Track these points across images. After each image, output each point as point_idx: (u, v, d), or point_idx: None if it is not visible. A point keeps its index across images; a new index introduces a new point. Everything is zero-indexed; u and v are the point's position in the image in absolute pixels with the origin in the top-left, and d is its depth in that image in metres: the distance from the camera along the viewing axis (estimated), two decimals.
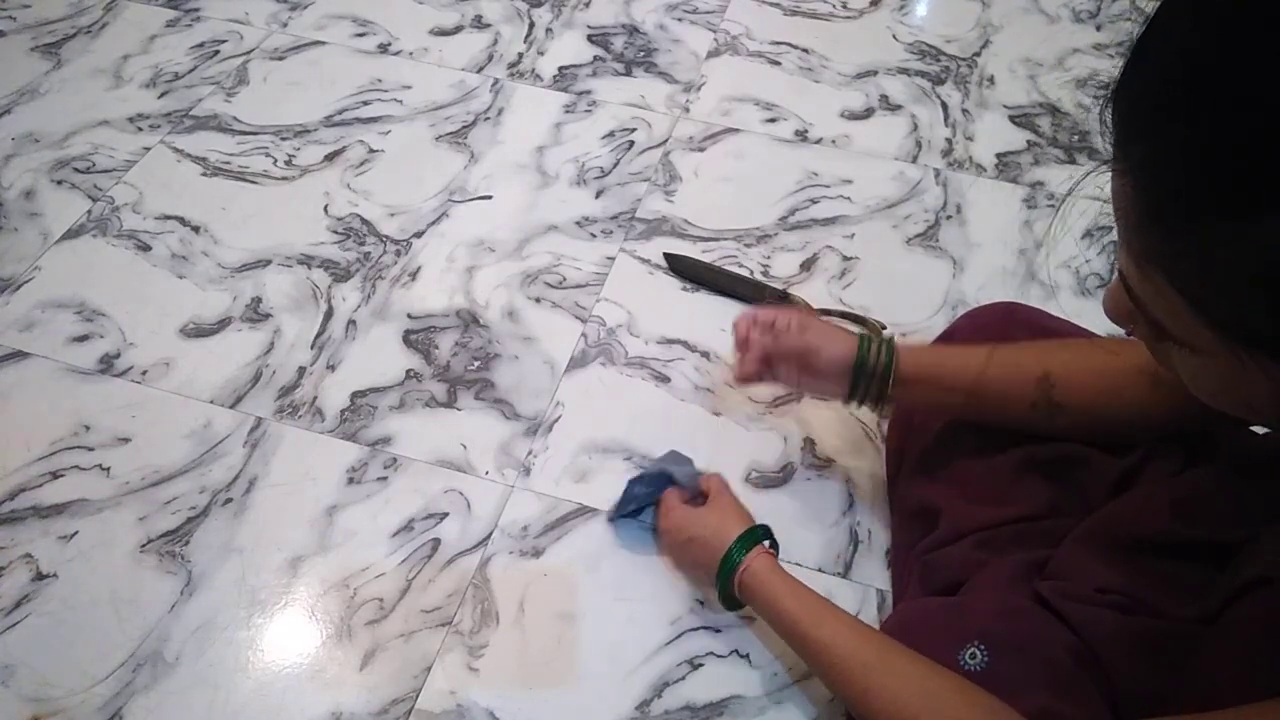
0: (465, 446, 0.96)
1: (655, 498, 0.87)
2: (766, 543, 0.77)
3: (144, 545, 0.88)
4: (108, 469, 0.93)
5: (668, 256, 1.12)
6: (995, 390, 0.73)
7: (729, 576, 0.75)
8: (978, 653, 0.63)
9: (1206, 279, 0.40)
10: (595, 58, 1.41)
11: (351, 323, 1.06)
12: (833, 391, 0.80)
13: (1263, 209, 0.36)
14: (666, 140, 1.28)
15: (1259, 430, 0.72)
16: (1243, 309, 0.39)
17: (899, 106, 1.34)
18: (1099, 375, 0.71)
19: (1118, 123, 0.41)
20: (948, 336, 0.89)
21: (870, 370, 0.76)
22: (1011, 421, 0.75)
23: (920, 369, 0.76)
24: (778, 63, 1.41)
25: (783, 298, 1.08)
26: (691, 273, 1.11)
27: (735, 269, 1.12)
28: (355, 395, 1.00)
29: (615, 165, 1.25)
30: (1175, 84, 0.39)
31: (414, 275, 1.11)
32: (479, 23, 1.46)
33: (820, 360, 0.78)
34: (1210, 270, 0.39)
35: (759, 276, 1.12)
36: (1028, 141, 1.30)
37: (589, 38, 1.44)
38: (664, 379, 1.02)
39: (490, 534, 0.89)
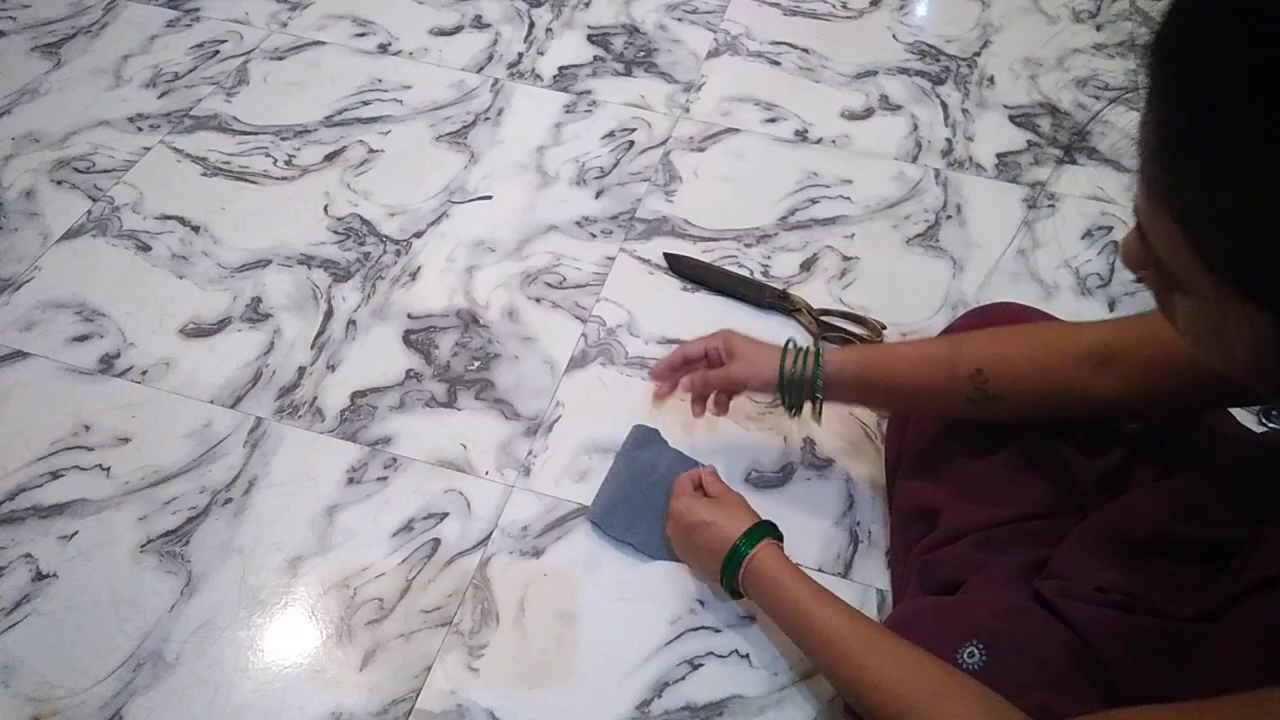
0: (465, 446, 0.96)
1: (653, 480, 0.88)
2: (771, 534, 0.77)
3: (144, 545, 0.88)
4: (108, 469, 0.93)
5: (668, 256, 1.12)
6: (927, 389, 0.76)
7: (736, 565, 0.75)
8: (976, 651, 0.63)
9: (1205, 214, 0.40)
10: (595, 58, 1.41)
11: (351, 323, 1.06)
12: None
13: (1263, 150, 0.37)
14: (666, 140, 1.28)
15: (1258, 430, 0.72)
16: (1236, 248, 0.40)
17: (899, 106, 1.35)
18: (1034, 363, 0.72)
19: (1153, 50, 0.42)
20: (947, 334, 0.89)
21: (794, 384, 0.81)
22: (950, 413, 0.78)
23: (846, 376, 0.80)
24: (778, 63, 1.41)
25: (783, 297, 1.08)
26: (691, 273, 1.11)
27: (735, 269, 1.12)
28: (355, 395, 1.00)
29: (615, 165, 1.25)
30: (1204, 10, 0.39)
31: (414, 275, 1.11)
32: (479, 23, 1.46)
33: (749, 388, 0.85)
34: (1209, 206, 0.40)
35: (759, 276, 1.12)
36: (1028, 141, 1.30)
37: (589, 38, 1.44)
38: None
39: (490, 534, 0.89)
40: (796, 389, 0.81)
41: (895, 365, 0.78)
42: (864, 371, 0.79)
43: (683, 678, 0.81)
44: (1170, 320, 0.49)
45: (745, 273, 1.12)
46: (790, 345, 0.82)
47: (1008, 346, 0.73)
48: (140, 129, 1.27)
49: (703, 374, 0.85)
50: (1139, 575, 0.64)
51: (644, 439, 0.95)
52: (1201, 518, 0.63)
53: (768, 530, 0.77)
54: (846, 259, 1.14)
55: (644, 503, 0.89)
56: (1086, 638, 0.61)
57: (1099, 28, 1.49)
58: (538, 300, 1.09)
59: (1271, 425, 0.88)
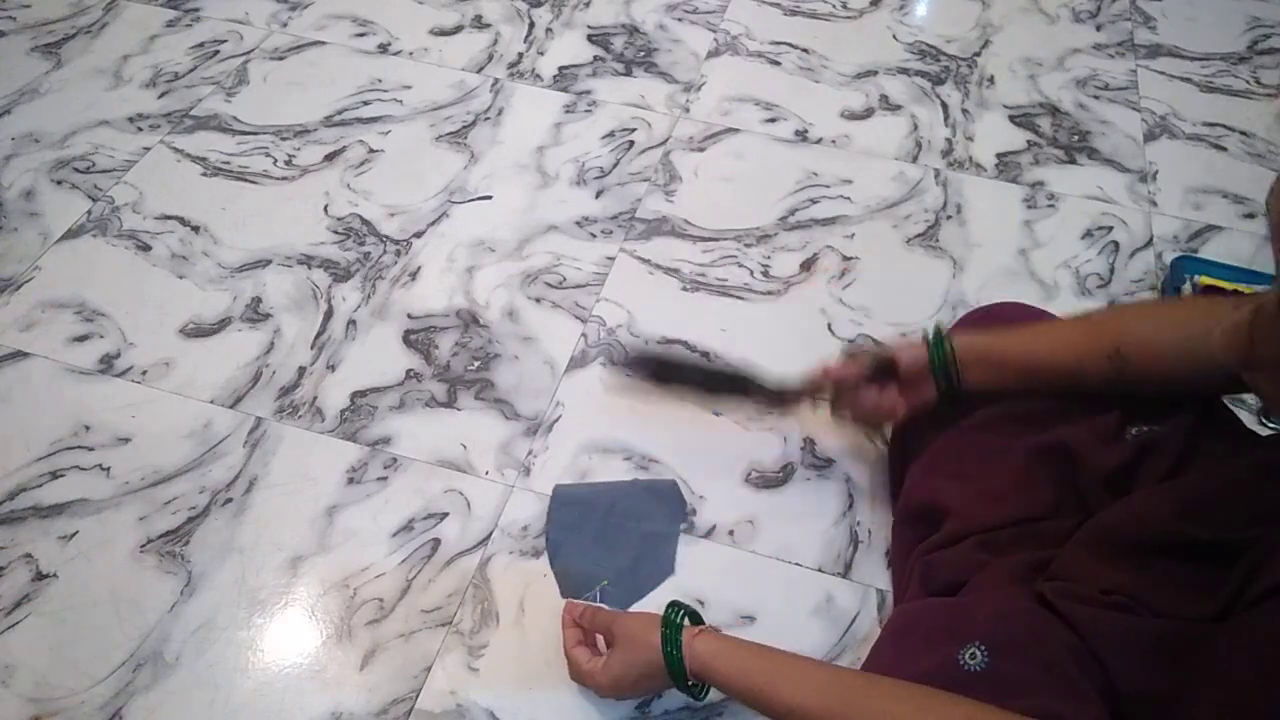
0: (465, 446, 0.96)
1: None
2: (686, 619, 0.71)
3: (144, 545, 0.88)
4: (108, 469, 0.93)
5: (634, 360, 0.93)
6: (1066, 369, 0.76)
7: (683, 682, 0.69)
8: (978, 653, 0.63)
9: None
10: (595, 58, 1.41)
11: (351, 323, 1.06)
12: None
13: None
14: (666, 140, 1.28)
15: (1263, 431, 0.72)
16: None
17: (899, 106, 1.34)
18: (1176, 344, 0.71)
19: None
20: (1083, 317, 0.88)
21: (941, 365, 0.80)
22: (1081, 391, 0.76)
23: (992, 359, 0.79)
24: (778, 63, 1.41)
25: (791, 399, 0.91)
26: (665, 375, 0.91)
27: (735, 269, 1.12)
28: (355, 395, 1.00)
29: (615, 165, 1.25)
30: None
31: (414, 275, 1.11)
32: (479, 23, 1.46)
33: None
34: None
35: (759, 277, 1.11)
36: (1028, 141, 1.30)
37: (589, 38, 1.44)
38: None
39: (490, 534, 0.89)
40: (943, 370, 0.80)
41: (1034, 346, 0.78)
42: (1003, 353, 0.79)
43: None
44: None
45: (746, 273, 1.11)
46: (927, 338, 0.81)
47: (1141, 323, 0.73)
48: (140, 129, 1.27)
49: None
50: (1144, 576, 0.64)
51: (666, 494, 0.92)
52: (1209, 519, 0.63)
53: (676, 622, 0.70)
54: (846, 259, 1.14)
55: (597, 524, 0.89)
56: (1089, 640, 0.61)
57: (1099, 28, 1.49)
58: (538, 300, 1.09)
59: (1271, 426, 0.89)
